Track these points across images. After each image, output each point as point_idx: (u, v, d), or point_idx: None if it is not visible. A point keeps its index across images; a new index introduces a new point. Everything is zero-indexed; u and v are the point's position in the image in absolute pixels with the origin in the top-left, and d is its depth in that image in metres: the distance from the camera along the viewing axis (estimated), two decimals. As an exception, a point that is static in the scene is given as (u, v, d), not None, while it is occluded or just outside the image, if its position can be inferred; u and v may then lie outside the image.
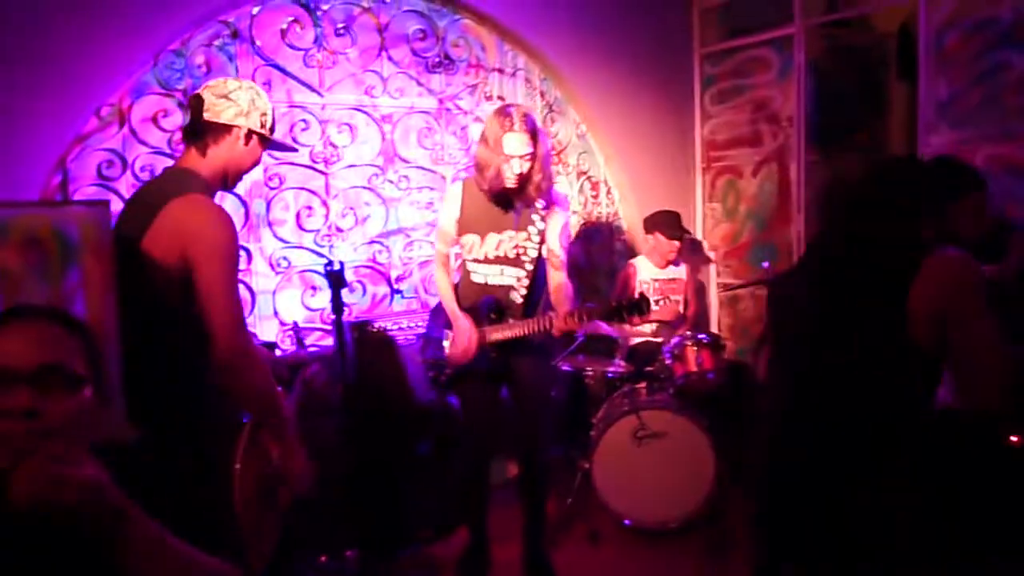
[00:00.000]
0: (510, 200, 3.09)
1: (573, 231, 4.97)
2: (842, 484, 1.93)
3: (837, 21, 4.89)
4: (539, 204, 3.08)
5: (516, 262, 3.12)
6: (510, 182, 3.01)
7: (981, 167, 3.70)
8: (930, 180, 2.17)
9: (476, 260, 3.20)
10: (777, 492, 2.13)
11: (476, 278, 3.21)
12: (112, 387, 1.70)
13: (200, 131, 2.23)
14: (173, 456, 2.03)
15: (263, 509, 2.19)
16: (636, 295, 2.97)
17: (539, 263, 3.14)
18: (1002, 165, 3.79)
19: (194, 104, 2.25)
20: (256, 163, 2.38)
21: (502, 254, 3.14)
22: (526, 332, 3.03)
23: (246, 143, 2.27)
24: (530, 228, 3.09)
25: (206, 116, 2.22)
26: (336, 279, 2.03)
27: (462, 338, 3.12)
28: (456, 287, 3.27)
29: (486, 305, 3.10)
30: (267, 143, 2.37)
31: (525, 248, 3.09)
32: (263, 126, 2.31)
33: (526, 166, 2.99)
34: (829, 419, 1.95)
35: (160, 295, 2.06)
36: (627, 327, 4.28)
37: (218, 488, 2.06)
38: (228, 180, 2.31)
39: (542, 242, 3.10)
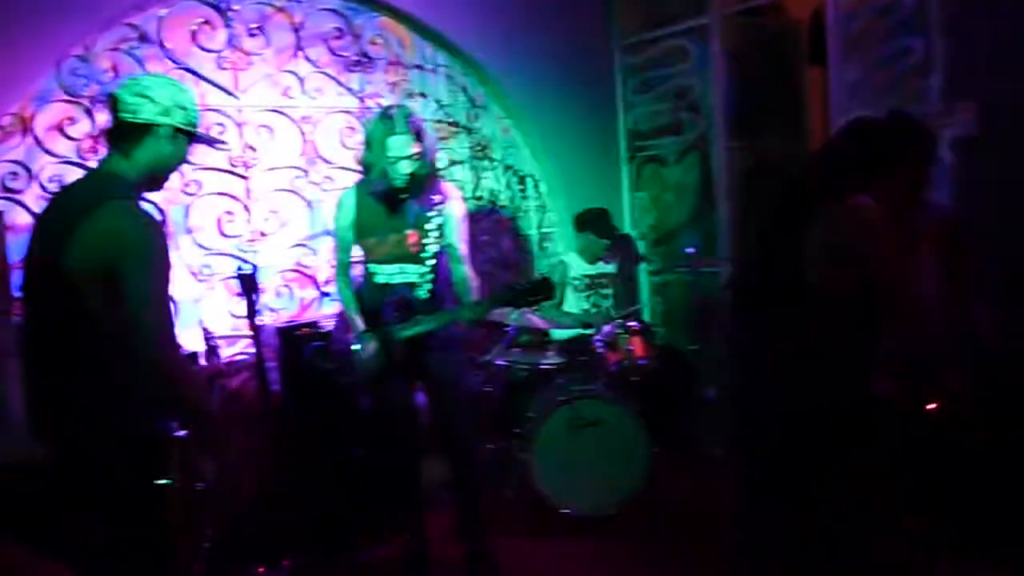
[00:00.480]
0: (403, 199, 3.08)
1: (503, 224, 4.98)
2: (808, 474, 1.94)
3: (751, 9, 4.98)
4: (434, 199, 3.09)
5: (416, 259, 3.10)
6: (399, 183, 3.01)
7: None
8: (889, 140, 2.16)
9: (377, 262, 3.18)
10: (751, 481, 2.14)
11: (379, 279, 3.18)
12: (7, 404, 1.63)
13: (121, 133, 2.09)
14: (95, 473, 1.97)
15: (194, 523, 2.14)
16: (538, 277, 2.98)
17: (440, 258, 3.14)
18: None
19: (111, 104, 2.11)
20: (184, 160, 2.25)
21: (402, 253, 3.12)
22: (433, 327, 3.02)
23: (172, 142, 2.14)
24: (427, 225, 3.08)
25: (126, 117, 2.08)
26: (248, 283, 1.97)
27: (370, 352, 3.11)
28: (359, 290, 3.25)
29: (392, 304, 3.09)
30: (193, 138, 2.25)
31: (424, 244, 3.09)
32: (188, 122, 2.17)
33: (414, 165, 2.99)
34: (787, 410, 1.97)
35: (82, 305, 1.98)
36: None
37: (149, 504, 2.00)
38: (156, 181, 2.18)
39: (441, 237, 3.10)
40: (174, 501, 2.01)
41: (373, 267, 3.20)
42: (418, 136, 2.99)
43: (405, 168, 2.98)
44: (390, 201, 3.09)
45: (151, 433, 2.07)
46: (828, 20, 4.22)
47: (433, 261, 3.09)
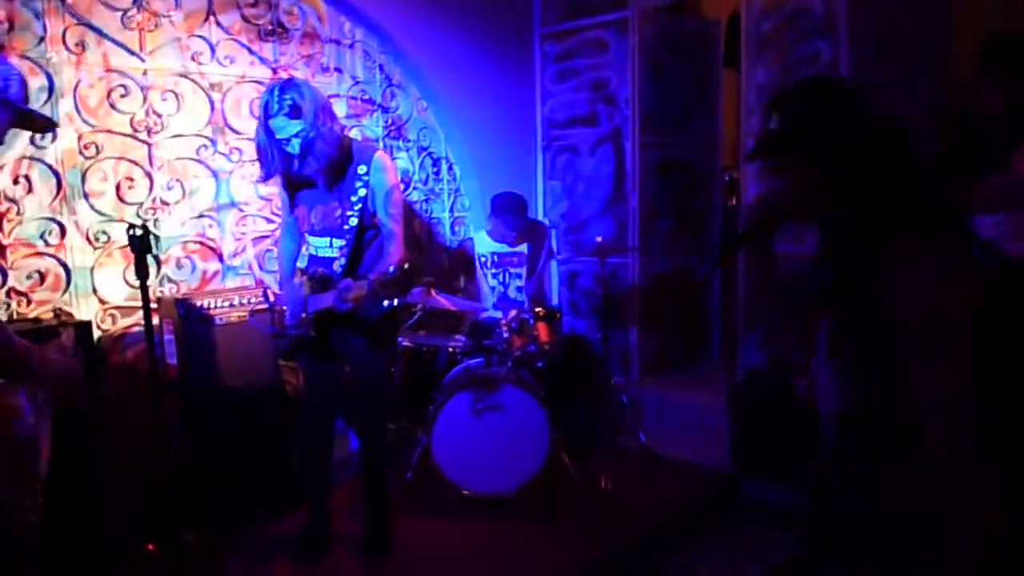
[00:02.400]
0: (327, 171, 3.01)
1: (416, 206, 4.95)
2: None
3: (672, 6, 5.07)
4: (361, 170, 3.02)
5: (339, 232, 3.06)
6: (301, 163, 2.95)
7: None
8: None
9: (309, 232, 3.16)
10: None
11: (310, 250, 3.18)
12: None
13: None
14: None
15: (18, 472, 2.07)
16: (393, 271, 2.68)
17: (364, 232, 3.08)
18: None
19: None
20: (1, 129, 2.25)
21: (328, 225, 3.09)
22: (330, 303, 2.93)
23: None
24: (352, 197, 3.01)
25: None
26: (142, 243, 1.91)
27: (290, 295, 3.12)
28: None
29: (312, 276, 3.05)
30: (12, 112, 2.24)
31: (347, 217, 3.03)
32: (3, 90, 2.18)
33: (302, 142, 2.90)
34: None
35: None
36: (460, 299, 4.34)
37: None
38: None
39: (364, 210, 3.04)
40: None
41: (308, 237, 3.18)
42: (296, 112, 2.87)
43: (297, 147, 2.91)
44: (317, 172, 3.01)
45: None
46: (743, 21, 4.34)
47: (352, 235, 3.01)
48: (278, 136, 2.90)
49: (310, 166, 2.96)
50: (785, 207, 1.85)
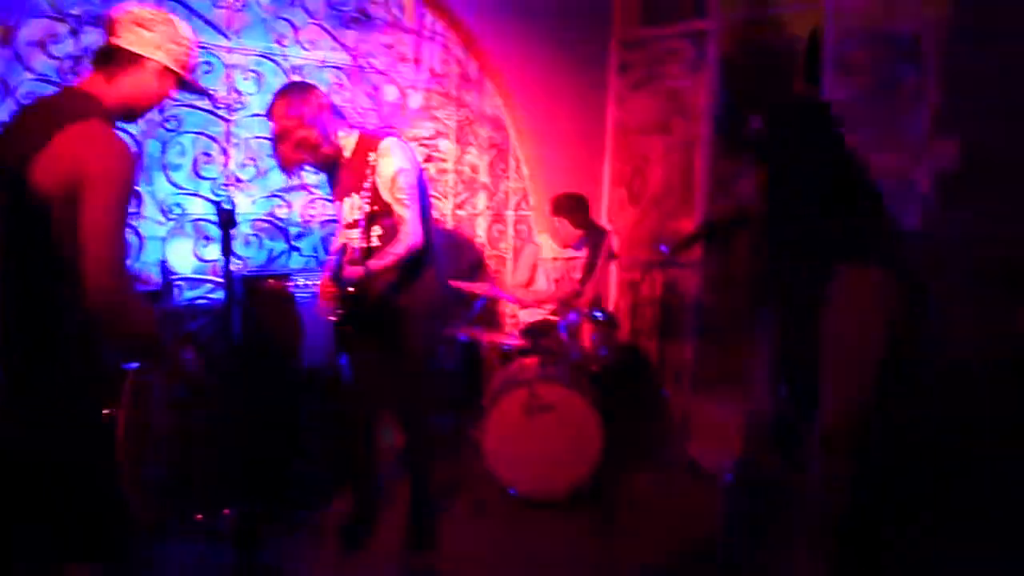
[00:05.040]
0: (338, 164, 3.13)
1: (481, 203, 4.95)
2: None
3: (753, 20, 4.99)
4: (370, 157, 3.03)
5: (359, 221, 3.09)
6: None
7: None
8: None
9: (343, 226, 3.22)
10: None
11: (347, 241, 3.19)
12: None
13: (109, 56, 2.08)
14: (47, 403, 1.93)
15: (148, 461, 2.11)
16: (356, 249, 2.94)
17: (378, 218, 3.06)
18: (888, 173, 3.96)
19: (107, 26, 2.10)
20: (164, 100, 2.24)
21: (355, 218, 3.10)
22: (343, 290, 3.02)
23: (157, 78, 2.13)
24: (365, 184, 3.03)
25: (118, 42, 2.07)
26: (227, 218, 1.94)
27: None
28: None
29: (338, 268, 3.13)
30: (180, 82, 2.23)
31: (362, 207, 3.04)
32: (179, 64, 2.17)
33: (290, 143, 3.03)
34: None
35: (41, 226, 1.91)
36: (527, 298, 4.33)
37: (98, 437, 1.97)
38: (132, 113, 2.17)
39: (376, 197, 3.04)
40: (121, 433, 1.98)
41: (344, 230, 3.22)
42: (270, 110, 3.05)
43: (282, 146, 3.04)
44: (334, 166, 3.14)
45: (104, 366, 2.03)
46: (825, 40, 4.26)
47: (365, 223, 3.02)
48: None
49: (334, 163, 3.14)
50: (745, 209, 1.94)
